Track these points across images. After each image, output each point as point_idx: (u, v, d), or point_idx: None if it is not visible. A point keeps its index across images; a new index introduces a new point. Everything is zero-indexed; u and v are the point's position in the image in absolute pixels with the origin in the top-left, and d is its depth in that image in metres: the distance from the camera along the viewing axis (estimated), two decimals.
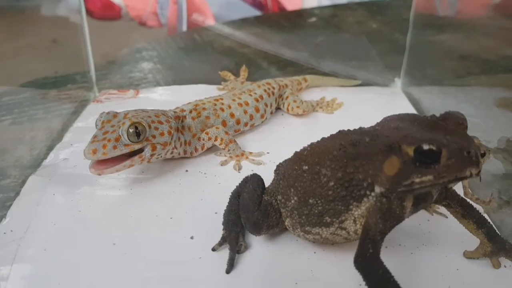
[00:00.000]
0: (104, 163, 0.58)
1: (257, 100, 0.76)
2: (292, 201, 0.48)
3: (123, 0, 2.17)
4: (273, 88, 0.80)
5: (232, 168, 0.67)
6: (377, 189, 0.42)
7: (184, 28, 2.13)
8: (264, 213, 0.50)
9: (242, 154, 0.69)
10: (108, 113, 0.60)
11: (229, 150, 0.68)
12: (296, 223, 0.48)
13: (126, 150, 0.58)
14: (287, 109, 0.80)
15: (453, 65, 1.13)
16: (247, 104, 0.74)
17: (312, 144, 0.50)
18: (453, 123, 0.42)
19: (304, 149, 0.50)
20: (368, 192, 0.43)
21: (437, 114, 0.45)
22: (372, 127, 0.47)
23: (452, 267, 0.50)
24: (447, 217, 0.56)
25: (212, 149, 0.70)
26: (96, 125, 0.60)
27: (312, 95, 0.89)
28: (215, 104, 0.71)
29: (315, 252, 0.51)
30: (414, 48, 0.98)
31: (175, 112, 0.67)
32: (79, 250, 0.52)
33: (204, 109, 0.70)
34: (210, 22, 2.18)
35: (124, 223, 0.56)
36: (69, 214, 0.57)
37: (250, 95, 0.76)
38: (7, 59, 0.90)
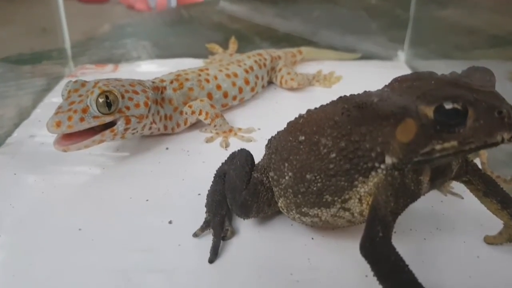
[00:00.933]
0: (70, 138, 0.50)
1: (246, 71, 0.68)
2: (287, 178, 0.40)
3: None
4: (265, 59, 0.73)
5: (218, 146, 0.60)
6: (388, 160, 0.35)
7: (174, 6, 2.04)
8: (253, 192, 0.43)
9: (230, 130, 0.61)
10: (75, 81, 0.53)
11: (215, 126, 0.61)
12: (291, 204, 0.41)
13: (95, 123, 0.50)
14: (280, 82, 0.73)
15: (459, 39, 1.06)
16: (235, 75, 0.66)
17: (309, 111, 0.43)
18: (478, 80, 0.35)
19: (300, 117, 0.42)
20: (377, 164, 0.36)
21: None
22: (379, 90, 0.40)
23: (472, 254, 0.43)
24: (462, 198, 0.49)
25: (196, 125, 0.63)
26: (62, 95, 0.52)
27: (308, 69, 0.82)
28: (200, 75, 0.64)
29: (313, 238, 0.44)
30: (418, 22, 0.91)
31: (153, 82, 0.59)
32: (40, 236, 0.44)
33: (187, 79, 0.62)
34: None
35: (92, 206, 0.48)
36: (31, 196, 0.50)
37: (239, 65, 0.68)
38: None
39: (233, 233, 0.45)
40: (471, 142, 0.32)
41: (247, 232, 0.45)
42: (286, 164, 0.40)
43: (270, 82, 0.75)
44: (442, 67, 0.90)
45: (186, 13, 1.28)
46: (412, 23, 0.87)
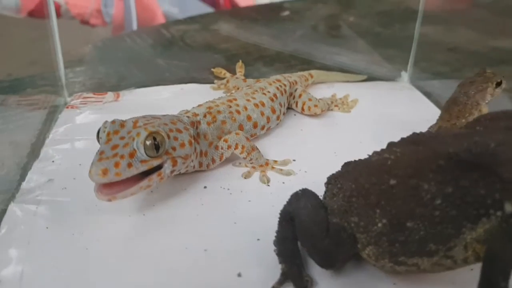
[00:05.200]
0: (114, 186, 0.45)
1: (272, 100, 0.66)
2: (379, 225, 0.38)
3: None
4: (284, 85, 0.70)
5: (258, 181, 0.56)
6: (509, 208, 0.33)
7: (135, 26, 1.98)
8: (336, 240, 0.40)
9: (267, 164, 0.58)
10: (113, 122, 0.48)
11: (251, 160, 0.58)
12: (385, 253, 0.38)
13: (143, 167, 0.46)
14: (302, 109, 0.71)
15: (444, 57, 1.09)
16: (263, 104, 0.64)
17: (390, 150, 0.41)
18: None
19: (385, 158, 0.40)
20: (491, 211, 0.34)
21: None
22: (468, 127, 0.39)
23: None
24: None
25: (228, 159, 0.59)
26: (100, 138, 0.47)
27: (318, 92, 0.80)
28: (230, 106, 0.60)
29: (394, 284, 0.42)
30: (421, 42, 0.92)
31: (188, 117, 0.55)
32: None
33: (219, 112, 0.58)
34: (160, 20, 2.05)
35: (146, 260, 0.44)
36: (74, 253, 0.44)
37: (264, 94, 0.66)
38: None
39: (313, 283, 0.42)
40: None
41: (324, 280, 0.42)
42: (378, 210, 0.38)
43: (288, 108, 0.73)
44: (439, 86, 0.92)
45: (168, 32, 1.23)
46: (416, 44, 0.87)
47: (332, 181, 0.45)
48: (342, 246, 0.40)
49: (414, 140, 0.40)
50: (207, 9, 2.04)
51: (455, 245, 0.36)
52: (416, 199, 0.36)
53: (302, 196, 0.45)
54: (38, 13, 1.92)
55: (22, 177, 0.56)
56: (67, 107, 0.74)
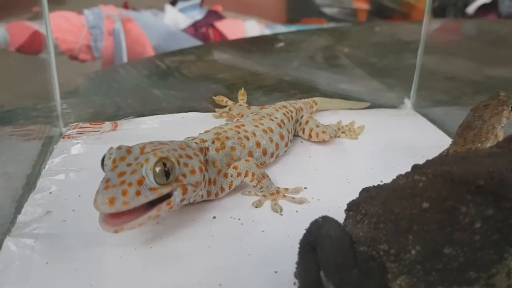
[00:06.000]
0: (120, 216, 0.42)
1: (280, 126, 0.63)
2: (413, 252, 0.35)
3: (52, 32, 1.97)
4: (291, 111, 0.68)
5: (269, 210, 0.54)
6: None
7: (125, 60, 1.97)
8: (366, 270, 0.37)
9: (278, 192, 0.56)
10: (119, 148, 0.45)
11: (261, 188, 0.55)
12: (420, 283, 0.35)
13: (152, 196, 0.43)
14: (310, 135, 0.68)
15: (443, 86, 1.09)
16: (271, 130, 0.61)
17: (420, 172, 0.38)
18: None
19: (415, 180, 0.38)
20: None
21: None
22: (501, 147, 0.37)
23: None
24: None
25: (237, 188, 0.56)
26: (105, 165, 0.44)
27: (323, 119, 0.78)
28: (238, 132, 0.58)
29: None
30: (424, 70, 0.91)
31: (196, 143, 0.53)
32: None
33: (227, 138, 0.56)
34: (149, 53, 2.04)
35: None
36: None
37: (272, 120, 0.63)
38: None
39: None
40: None
41: None
42: (410, 236, 0.35)
43: (294, 135, 0.71)
44: (442, 113, 0.91)
45: (162, 63, 1.21)
46: (419, 71, 0.87)
47: (353, 207, 0.43)
48: (372, 277, 0.37)
49: (443, 161, 0.38)
50: (196, 42, 2.04)
51: (497, 272, 0.33)
52: (453, 223, 0.34)
53: (323, 223, 0.42)
54: (26, 48, 1.90)
55: (18, 210, 0.53)
56: (63, 138, 0.71)
